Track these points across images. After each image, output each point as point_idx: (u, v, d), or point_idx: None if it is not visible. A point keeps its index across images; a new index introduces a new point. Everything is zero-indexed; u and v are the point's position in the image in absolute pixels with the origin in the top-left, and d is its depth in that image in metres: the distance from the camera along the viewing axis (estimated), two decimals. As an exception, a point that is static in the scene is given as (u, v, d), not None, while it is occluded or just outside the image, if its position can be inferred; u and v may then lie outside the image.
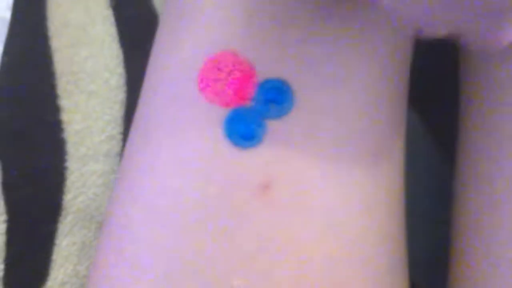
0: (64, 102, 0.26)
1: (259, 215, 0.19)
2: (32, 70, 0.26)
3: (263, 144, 0.19)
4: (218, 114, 0.20)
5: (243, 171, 0.19)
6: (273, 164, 0.19)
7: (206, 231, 0.19)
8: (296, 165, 0.19)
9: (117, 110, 0.26)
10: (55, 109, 0.26)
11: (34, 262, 0.25)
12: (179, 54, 0.21)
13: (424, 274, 0.24)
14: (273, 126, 0.20)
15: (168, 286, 0.19)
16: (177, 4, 0.21)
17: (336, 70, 0.20)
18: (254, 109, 0.20)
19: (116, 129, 0.26)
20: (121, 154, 0.26)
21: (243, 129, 0.20)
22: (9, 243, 0.25)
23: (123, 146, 0.26)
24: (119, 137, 0.26)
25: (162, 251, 0.19)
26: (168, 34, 0.21)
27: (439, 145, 0.27)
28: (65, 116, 0.26)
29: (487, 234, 0.22)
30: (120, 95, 0.27)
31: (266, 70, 0.20)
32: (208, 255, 0.19)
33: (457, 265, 0.24)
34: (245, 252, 0.19)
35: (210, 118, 0.20)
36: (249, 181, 0.19)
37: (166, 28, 0.22)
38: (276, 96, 0.20)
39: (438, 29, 0.16)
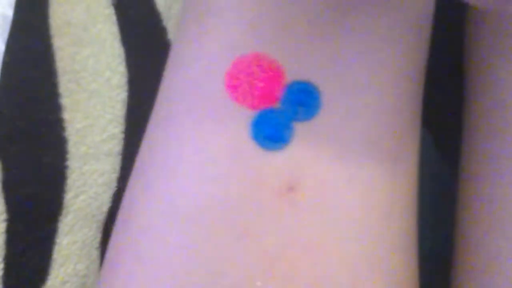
0: (66, 100, 0.26)
1: (284, 217, 0.19)
2: (34, 68, 0.26)
3: (290, 146, 0.20)
4: (245, 115, 0.20)
5: (268, 172, 0.19)
6: (298, 166, 0.19)
7: (228, 232, 0.19)
8: (321, 168, 0.20)
9: (119, 109, 0.26)
10: (57, 108, 0.26)
11: (34, 261, 0.25)
12: (205, 54, 0.20)
13: (427, 274, 0.24)
14: (299, 128, 0.20)
15: (190, 287, 0.19)
16: (202, 2, 0.21)
17: (362, 74, 0.20)
18: (282, 111, 0.20)
19: (117, 128, 0.26)
20: (122, 153, 0.26)
21: (270, 131, 0.20)
22: (9, 242, 0.25)
23: (125, 145, 0.26)
24: (121, 136, 0.26)
25: (182, 252, 0.19)
26: (193, 34, 0.21)
27: (441, 145, 0.27)
28: (66, 115, 0.26)
29: (492, 236, 0.22)
30: (121, 94, 0.27)
31: (294, 72, 0.20)
32: (230, 256, 0.19)
33: (460, 265, 0.23)
34: (268, 253, 0.19)
35: (237, 119, 0.20)
36: (274, 183, 0.19)
37: (189, 27, 0.22)
38: (304, 99, 0.20)
39: None
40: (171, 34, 0.27)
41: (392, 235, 0.20)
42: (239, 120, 0.20)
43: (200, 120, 0.20)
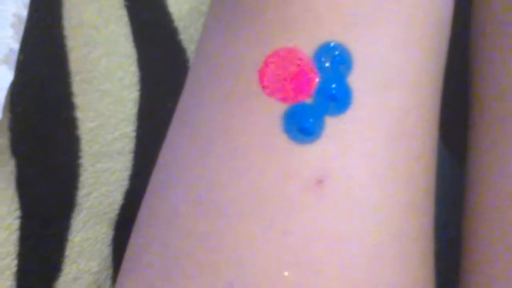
0: (79, 99, 0.26)
1: (312, 209, 0.19)
2: (47, 68, 0.27)
3: (320, 140, 0.20)
4: (278, 108, 0.20)
5: (298, 165, 0.20)
6: (327, 160, 0.20)
7: (256, 223, 0.19)
8: (349, 162, 0.20)
9: (131, 108, 0.27)
10: (70, 107, 0.26)
11: (47, 257, 0.26)
12: (238, 49, 0.21)
13: (436, 274, 0.24)
14: (330, 122, 0.20)
15: (217, 277, 0.19)
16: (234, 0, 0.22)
17: (390, 73, 0.20)
18: (314, 106, 0.20)
19: (129, 127, 0.27)
20: (134, 151, 0.27)
21: (302, 124, 0.20)
22: (23, 238, 0.25)
23: (136, 143, 0.27)
24: (132, 135, 0.27)
25: (209, 241, 0.20)
26: (224, 29, 0.22)
27: (448, 149, 0.28)
28: (79, 114, 0.26)
29: (498, 234, 0.22)
30: (133, 94, 0.27)
31: None
32: (257, 246, 0.19)
33: (467, 265, 0.24)
34: (296, 244, 0.19)
35: (269, 112, 0.20)
36: (303, 176, 0.20)
37: (221, 23, 0.22)
38: (335, 94, 0.20)
39: None
40: (183, 35, 0.28)
41: (413, 229, 0.21)
42: (271, 113, 0.20)
43: (232, 112, 0.20)
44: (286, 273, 0.19)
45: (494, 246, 0.22)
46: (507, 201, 0.22)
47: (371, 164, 0.20)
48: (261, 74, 0.20)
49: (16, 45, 0.25)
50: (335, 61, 0.20)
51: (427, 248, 0.22)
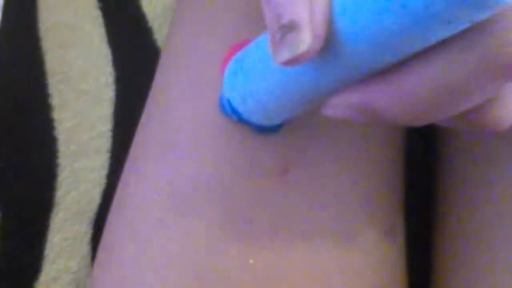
0: (55, 100, 0.27)
1: (277, 198, 0.20)
2: (24, 70, 0.27)
3: (284, 130, 0.20)
4: None
5: (262, 156, 0.20)
6: (291, 150, 0.20)
7: (223, 213, 0.20)
8: (312, 152, 0.20)
9: (107, 108, 0.27)
10: (46, 108, 0.27)
11: (27, 258, 0.26)
12: (202, 43, 0.21)
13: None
14: None
15: (186, 266, 0.19)
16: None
17: None
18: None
19: (106, 126, 0.27)
20: (111, 150, 0.27)
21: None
22: (2, 239, 0.25)
23: (113, 142, 0.27)
24: (109, 134, 0.27)
25: (177, 231, 0.20)
26: (188, 27, 0.22)
27: (420, 138, 0.28)
28: (56, 114, 0.27)
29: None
30: (109, 93, 0.27)
31: None
32: (223, 236, 0.19)
33: (439, 247, 0.24)
34: (262, 232, 0.20)
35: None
36: (268, 165, 0.20)
37: (184, 22, 0.22)
38: None
39: None
40: (157, 34, 0.28)
41: (379, 211, 0.21)
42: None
43: (197, 105, 0.21)
44: (251, 261, 0.19)
45: (462, 224, 0.23)
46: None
47: (335, 152, 0.20)
48: (224, 66, 0.20)
49: (-9, 48, 0.26)
50: None
51: (395, 230, 0.22)
